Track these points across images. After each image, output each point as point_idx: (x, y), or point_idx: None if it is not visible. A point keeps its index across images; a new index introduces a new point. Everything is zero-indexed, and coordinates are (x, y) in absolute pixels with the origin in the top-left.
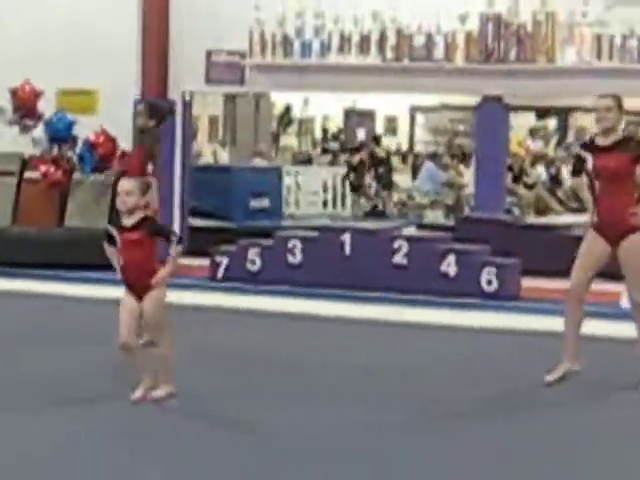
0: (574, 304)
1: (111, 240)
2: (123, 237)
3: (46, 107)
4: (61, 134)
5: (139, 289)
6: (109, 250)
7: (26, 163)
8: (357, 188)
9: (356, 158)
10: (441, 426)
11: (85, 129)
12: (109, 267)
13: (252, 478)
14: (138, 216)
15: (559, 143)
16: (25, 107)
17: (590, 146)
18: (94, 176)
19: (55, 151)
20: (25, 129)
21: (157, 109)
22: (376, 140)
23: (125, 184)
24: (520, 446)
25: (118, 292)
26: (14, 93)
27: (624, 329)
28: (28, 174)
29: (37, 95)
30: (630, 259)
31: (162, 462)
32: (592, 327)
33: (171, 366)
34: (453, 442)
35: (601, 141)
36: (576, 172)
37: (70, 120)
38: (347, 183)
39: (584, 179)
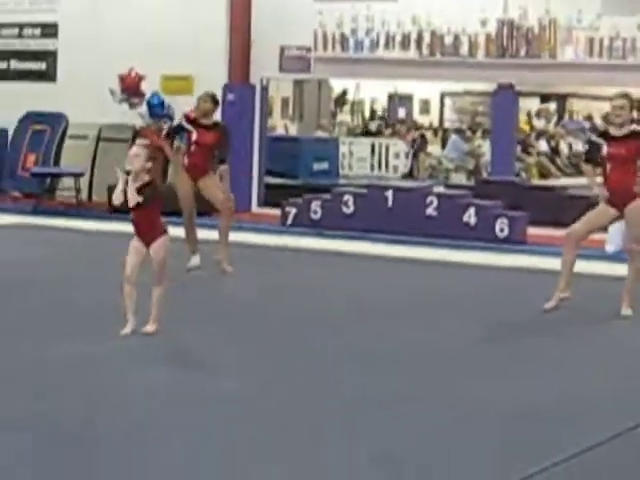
0: (572, 246)
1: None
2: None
3: (153, 89)
4: (156, 109)
5: (145, 238)
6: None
7: (137, 132)
8: (417, 155)
9: (416, 134)
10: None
11: (184, 106)
12: (201, 214)
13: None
14: (143, 180)
15: (558, 122)
16: (131, 89)
17: (605, 135)
18: None
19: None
20: (132, 106)
21: (215, 97)
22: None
23: (133, 149)
24: (529, 353)
25: (207, 234)
26: (122, 78)
27: (608, 268)
28: (138, 141)
29: (140, 79)
30: (633, 218)
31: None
32: (582, 266)
33: (162, 308)
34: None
35: (615, 132)
36: (588, 160)
37: (162, 99)
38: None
39: (591, 168)
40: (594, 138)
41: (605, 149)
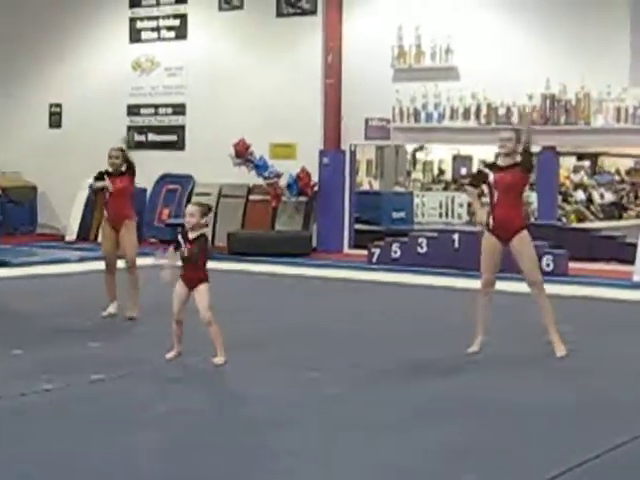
0: (483, 292)
1: (177, 246)
2: (187, 245)
3: (264, 154)
4: (260, 169)
5: (190, 281)
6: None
7: (250, 190)
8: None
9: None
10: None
11: (290, 168)
12: (302, 255)
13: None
14: (198, 232)
15: (591, 176)
16: (241, 154)
17: (492, 166)
18: (296, 198)
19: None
20: (248, 168)
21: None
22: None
23: (189, 208)
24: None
25: (307, 270)
26: (235, 146)
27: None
28: (252, 197)
29: (248, 147)
30: (520, 250)
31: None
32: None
33: (223, 339)
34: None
35: (501, 162)
36: (473, 184)
37: (264, 161)
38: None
39: (475, 190)
40: (482, 168)
41: (491, 176)
